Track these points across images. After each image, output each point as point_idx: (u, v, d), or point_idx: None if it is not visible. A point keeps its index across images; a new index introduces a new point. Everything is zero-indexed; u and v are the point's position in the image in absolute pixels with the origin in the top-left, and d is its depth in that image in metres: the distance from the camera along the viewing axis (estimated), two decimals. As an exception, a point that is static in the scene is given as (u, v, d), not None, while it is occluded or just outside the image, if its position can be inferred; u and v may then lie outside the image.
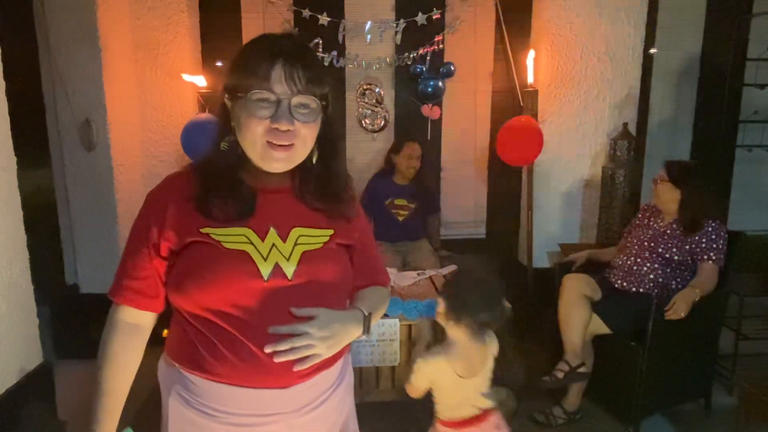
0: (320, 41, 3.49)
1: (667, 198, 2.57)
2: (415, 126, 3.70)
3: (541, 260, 3.60)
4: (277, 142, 0.98)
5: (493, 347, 1.81)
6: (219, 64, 3.54)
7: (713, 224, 2.51)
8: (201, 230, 1.00)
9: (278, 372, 0.99)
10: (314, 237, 1.06)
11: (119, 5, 3.13)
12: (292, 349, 0.97)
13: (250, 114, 0.98)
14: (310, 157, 1.06)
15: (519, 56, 3.52)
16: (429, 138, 3.74)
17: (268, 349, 0.97)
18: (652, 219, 2.69)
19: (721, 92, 3.64)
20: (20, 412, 1.89)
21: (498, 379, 2.59)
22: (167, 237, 1.01)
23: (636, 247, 2.65)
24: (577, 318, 2.51)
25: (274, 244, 1.02)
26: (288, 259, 1.01)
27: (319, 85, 1.00)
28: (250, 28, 3.57)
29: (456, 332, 1.74)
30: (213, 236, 1.00)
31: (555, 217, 3.62)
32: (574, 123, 3.49)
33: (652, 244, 2.58)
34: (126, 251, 1.07)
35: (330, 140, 1.08)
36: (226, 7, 3.53)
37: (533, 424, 2.59)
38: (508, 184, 3.80)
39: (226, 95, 1.03)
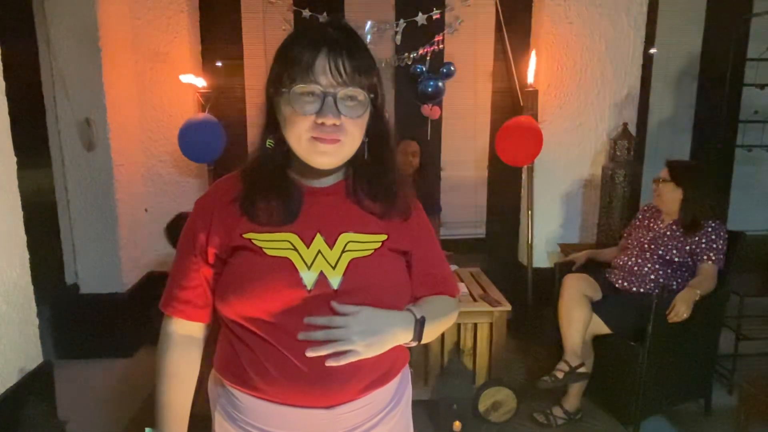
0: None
1: (669, 198, 2.57)
2: (415, 126, 3.70)
3: (541, 260, 3.60)
4: (324, 136, 0.91)
5: None
6: (219, 64, 3.54)
7: (713, 224, 2.51)
8: (244, 235, 0.95)
9: (324, 390, 0.93)
10: (365, 243, 0.98)
11: (119, 5, 3.13)
12: (327, 344, 0.89)
13: (294, 109, 0.91)
14: (361, 152, 0.98)
15: (519, 56, 3.52)
16: (429, 138, 3.74)
17: (302, 337, 0.90)
18: (652, 220, 2.69)
19: (721, 92, 3.64)
20: (20, 412, 1.89)
21: (498, 380, 2.60)
22: (213, 243, 0.97)
23: (636, 248, 2.65)
24: (578, 318, 2.51)
25: (320, 251, 0.95)
26: (334, 268, 0.94)
27: (367, 76, 0.93)
28: (250, 28, 3.57)
29: None
30: (255, 242, 0.94)
31: (555, 217, 3.62)
32: (574, 123, 3.49)
33: (653, 246, 2.58)
34: (175, 261, 1.03)
35: (380, 134, 1.00)
36: (226, 7, 3.53)
37: (533, 424, 2.59)
38: (508, 184, 3.81)
39: (270, 89, 0.96)
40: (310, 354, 0.89)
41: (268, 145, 0.98)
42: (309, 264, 0.93)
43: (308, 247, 0.95)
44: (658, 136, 3.90)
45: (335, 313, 0.91)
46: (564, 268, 2.89)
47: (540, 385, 2.48)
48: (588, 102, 3.46)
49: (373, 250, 0.98)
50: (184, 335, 1.04)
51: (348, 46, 0.91)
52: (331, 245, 0.96)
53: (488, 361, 2.76)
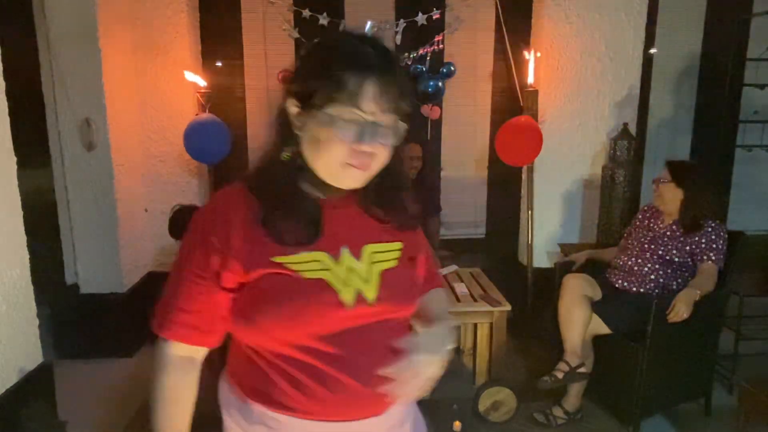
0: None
1: (669, 198, 2.57)
2: (415, 126, 3.70)
3: (541, 260, 3.60)
4: (358, 164, 0.89)
5: None
6: (219, 64, 3.54)
7: (713, 224, 2.51)
8: (273, 259, 0.90)
9: (375, 399, 0.94)
10: (387, 252, 0.98)
11: (119, 5, 3.13)
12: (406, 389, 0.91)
13: (333, 133, 0.86)
14: None
15: (519, 56, 3.52)
16: (429, 138, 3.74)
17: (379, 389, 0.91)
18: (652, 220, 2.69)
19: (721, 92, 3.64)
20: (20, 412, 1.89)
21: (498, 380, 2.60)
22: (232, 268, 0.90)
23: (636, 248, 2.65)
24: (577, 318, 2.51)
25: (350, 267, 0.93)
26: (368, 282, 0.94)
27: (407, 103, 0.91)
28: (250, 28, 3.58)
29: None
30: (288, 265, 0.90)
31: (555, 217, 3.62)
32: (574, 123, 3.49)
33: (653, 246, 2.58)
34: (175, 280, 0.95)
35: (395, 147, 0.96)
36: (226, 7, 3.53)
37: (533, 424, 2.59)
38: (508, 184, 3.81)
39: (296, 102, 0.91)
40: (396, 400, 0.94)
41: (283, 159, 0.93)
42: (344, 281, 0.92)
43: (337, 262, 0.93)
44: (658, 137, 3.90)
45: (383, 344, 0.93)
46: (564, 267, 2.89)
47: (540, 386, 2.48)
48: (588, 102, 3.46)
49: (397, 260, 0.99)
50: (185, 357, 0.97)
51: (393, 73, 0.89)
52: (357, 257, 0.95)
53: (488, 361, 2.76)
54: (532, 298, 3.46)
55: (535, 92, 3.36)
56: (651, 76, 3.76)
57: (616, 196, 3.31)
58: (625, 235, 2.83)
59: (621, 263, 2.69)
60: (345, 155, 0.88)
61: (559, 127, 3.48)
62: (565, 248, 3.42)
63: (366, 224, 0.99)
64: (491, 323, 2.69)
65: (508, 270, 3.70)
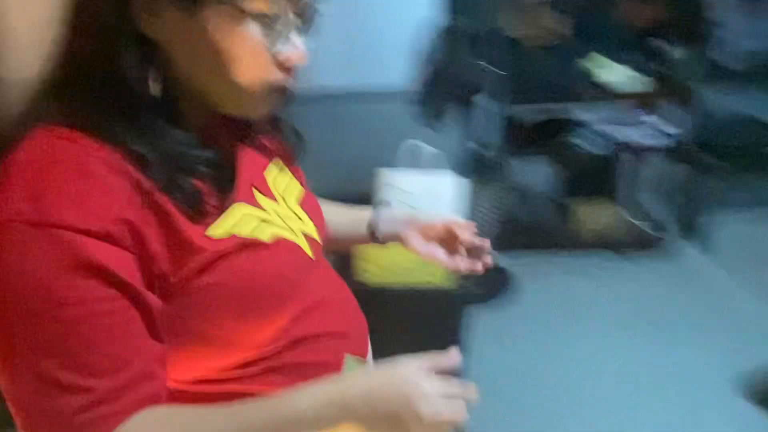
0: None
1: None
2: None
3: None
4: (283, 79, 0.62)
5: None
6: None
7: None
8: (208, 234, 0.59)
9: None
10: (287, 179, 0.76)
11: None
12: None
13: (243, 38, 0.56)
14: None
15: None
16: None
17: None
18: None
19: None
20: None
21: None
22: (158, 271, 0.56)
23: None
24: None
25: (274, 209, 0.69)
26: (303, 220, 0.74)
27: None
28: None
29: None
30: (240, 235, 0.62)
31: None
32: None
33: None
34: (81, 339, 0.52)
35: None
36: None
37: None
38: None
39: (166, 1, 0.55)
40: None
41: (154, 94, 0.58)
42: (290, 229, 0.69)
43: (264, 209, 0.67)
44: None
45: (328, 272, 0.78)
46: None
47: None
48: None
49: (300, 184, 0.78)
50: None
51: None
52: (271, 197, 0.70)
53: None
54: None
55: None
56: None
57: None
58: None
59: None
60: (266, 70, 0.60)
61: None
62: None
63: (248, 153, 0.71)
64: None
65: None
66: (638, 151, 2.61)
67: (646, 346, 2.08)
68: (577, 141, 2.55)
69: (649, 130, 2.52)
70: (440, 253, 0.88)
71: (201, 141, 0.61)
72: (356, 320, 0.80)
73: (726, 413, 1.81)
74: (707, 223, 2.61)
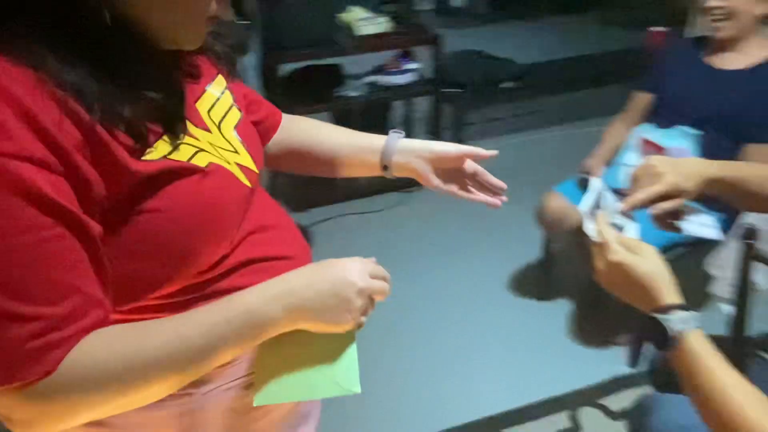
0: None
1: None
2: None
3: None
4: (215, 13, 0.64)
5: None
6: None
7: None
8: (146, 158, 0.57)
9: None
10: (228, 104, 0.73)
11: None
12: None
13: None
14: None
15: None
16: None
17: None
18: None
19: None
20: None
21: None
22: (98, 198, 0.54)
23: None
24: None
25: (209, 141, 0.67)
26: (237, 150, 0.71)
27: None
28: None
29: None
30: (173, 158, 0.59)
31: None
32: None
33: None
34: (25, 268, 0.51)
35: None
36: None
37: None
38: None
39: None
40: None
41: (108, 23, 0.55)
42: (224, 158, 0.67)
43: (198, 139, 0.65)
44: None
45: (265, 202, 0.77)
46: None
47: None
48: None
49: (238, 109, 0.75)
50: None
51: None
52: (205, 127, 0.68)
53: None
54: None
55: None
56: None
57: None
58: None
59: None
60: (195, 10, 0.60)
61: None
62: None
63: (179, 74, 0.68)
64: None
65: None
66: (401, 94, 2.85)
67: (437, 272, 2.40)
68: (346, 92, 2.67)
69: (409, 74, 2.75)
70: (456, 189, 0.88)
71: (148, 76, 0.59)
72: (299, 243, 0.79)
73: (500, 308, 2.21)
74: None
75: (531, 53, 3.73)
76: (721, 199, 0.94)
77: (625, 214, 0.88)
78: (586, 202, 0.84)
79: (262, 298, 0.63)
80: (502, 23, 5.71)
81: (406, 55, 2.74)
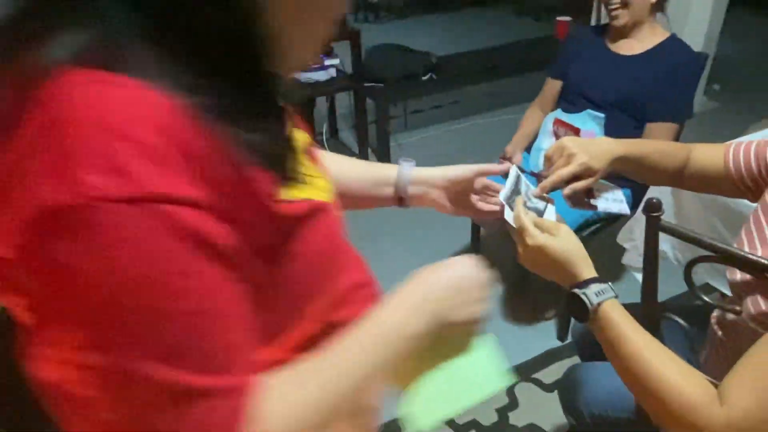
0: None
1: None
2: None
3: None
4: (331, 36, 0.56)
5: None
6: None
7: None
8: (284, 198, 0.49)
9: None
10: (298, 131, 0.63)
11: None
12: None
13: None
14: None
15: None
16: None
17: None
18: None
19: None
20: None
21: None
22: (255, 243, 0.47)
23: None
24: None
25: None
26: (319, 176, 0.62)
27: None
28: None
29: None
30: (309, 197, 0.54)
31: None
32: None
33: None
34: (205, 333, 0.42)
35: None
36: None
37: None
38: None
39: None
40: None
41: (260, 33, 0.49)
42: (320, 186, 0.60)
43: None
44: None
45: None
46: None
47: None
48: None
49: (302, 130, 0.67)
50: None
51: None
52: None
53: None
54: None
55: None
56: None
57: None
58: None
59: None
60: (330, 26, 0.52)
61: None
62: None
63: None
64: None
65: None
66: (322, 90, 2.84)
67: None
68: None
69: (329, 70, 2.75)
70: (471, 213, 0.88)
71: (276, 104, 0.52)
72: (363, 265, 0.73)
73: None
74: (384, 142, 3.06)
75: (448, 45, 3.83)
76: (628, 175, 1.01)
77: (542, 197, 0.92)
78: (504, 191, 0.88)
79: (402, 311, 0.59)
80: (419, 16, 5.82)
81: (326, 51, 2.74)
